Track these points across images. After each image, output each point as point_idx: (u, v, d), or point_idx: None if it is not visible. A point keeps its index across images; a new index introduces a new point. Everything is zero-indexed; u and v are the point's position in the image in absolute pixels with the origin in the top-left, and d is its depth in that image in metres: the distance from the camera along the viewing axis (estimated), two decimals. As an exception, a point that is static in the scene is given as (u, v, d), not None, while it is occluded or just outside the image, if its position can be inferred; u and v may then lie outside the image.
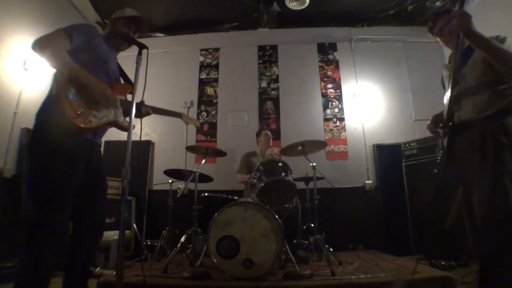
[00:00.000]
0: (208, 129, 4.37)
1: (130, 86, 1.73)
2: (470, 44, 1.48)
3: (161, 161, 4.16)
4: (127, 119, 1.65)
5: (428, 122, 1.81)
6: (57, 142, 1.33)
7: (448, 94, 1.60)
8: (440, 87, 1.91)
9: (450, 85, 1.59)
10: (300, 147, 2.60)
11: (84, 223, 1.50)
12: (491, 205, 1.41)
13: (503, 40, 1.48)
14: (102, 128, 1.58)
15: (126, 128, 1.56)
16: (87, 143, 1.50)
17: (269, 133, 3.68)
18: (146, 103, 1.78)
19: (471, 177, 1.54)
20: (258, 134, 3.72)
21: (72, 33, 1.45)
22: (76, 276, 1.49)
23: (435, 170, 1.70)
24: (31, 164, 1.36)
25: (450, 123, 1.61)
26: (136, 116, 1.64)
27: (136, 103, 1.50)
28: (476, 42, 1.43)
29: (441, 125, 1.70)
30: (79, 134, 1.43)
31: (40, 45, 1.39)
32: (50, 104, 1.39)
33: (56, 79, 1.41)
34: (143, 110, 1.73)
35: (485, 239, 1.44)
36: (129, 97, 1.70)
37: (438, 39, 1.75)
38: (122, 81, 1.79)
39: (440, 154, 1.69)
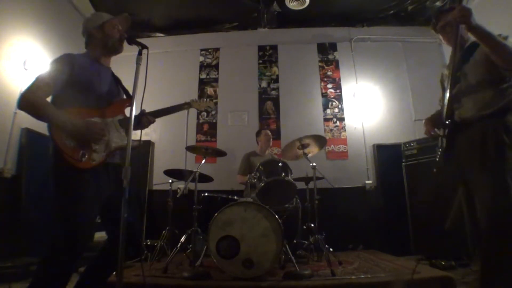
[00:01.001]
0: (208, 129, 4.37)
1: (128, 100, 1.68)
2: (474, 37, 1.48)
3: (161, 161, 4.16)
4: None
5: (424, 126, 1.80)
6: (70, 184, 1.40)
7: (447, 92, 1.60)
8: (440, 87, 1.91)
9: (449, 83, 1.59)
10: (299, 144, 2.61)
11: (114, 238, 1.49)
12: (494, 205, 1.40)
13: (504, 39, 1.47)
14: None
15: (133, 147, 1.55)
16: (101, 169, 1.50)
17: (269, 133, 3.68)
18: (147, 105, 1.71)
19: (472, 177, 1.53)
20: (258, 134, 3.71)
21: (49, 76, 1.43)
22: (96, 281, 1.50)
23: (434, 169, 1.70)
24: (55, 192, 1.42)
25: (449, 121, 1.61)
26: (138, 128, 1.63)
27: (136, 116, 1.47)
28: (478, 35, 1.43)
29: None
30: (89, 171, 1.44)
31: (23, 106, 1.38)
32: (57, 157, 1.41)
33: (50, 130, 1.42)
34: (144, 121, 1.70)
35: (488, 239, 1.43)
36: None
37: (440, 36, 1.75)
38: (122, 94, 1.73)
39: (439, 153, 1.68)
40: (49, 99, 1.46)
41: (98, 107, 1.55)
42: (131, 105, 1.44)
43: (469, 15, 1.39)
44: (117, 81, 1.72)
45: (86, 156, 1.43)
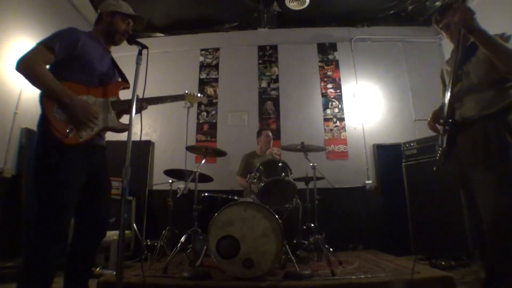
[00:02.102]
0: (208, 129, 4.37)
1: (123, 82, 1.71)
2: (473, 40, 1.47)
3: (161, 161, 4.17)
4: (121, 120, 1.64)
5: (428, 119, 1.79)
6: (55, 163, 1.38)
7: (449, 90, 1.59)
8: (440, 86, 1.90)
9: (451, 81, 1.58)
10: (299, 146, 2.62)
11: (87, 223, 1.51)
12: (498, 204, 1.39)
13: (508, 38, 1.46)
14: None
15: (121, 130, 1.56)
16: (87, 148, 1.49)
17: (270, 134, 3.66)
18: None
19: (474, 176, 1.52)
20: (258, 134, 3.70)
21: (53, 45, 1.41)
22: (77, 276, 1.50)
23: (434, 168, 1.69)
24: (36, 169, 1.41)
25: (451, 120, 1.60)
26: (129, 113, 1.62)
27: (129, 100, 1.47)
28: (478, 39, 1.42)
29: (441, 121, 1.67)
30: (75, 149, 1.43)
31: (21, 68, 1.38)
32: (43, 128, 1.41)
33: (42, 100, 1.41)
34: (137, 106, 1.71)
35: (492, 238, 1.42)
36: (121, 93, 1.68)
37: (443, 33, 1.74)
38: (117, 77, 1.74)
39: (439, 152, 1.67)
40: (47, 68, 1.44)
41: (94, 85, 1.55)
42: (130, 106, 1.43)
43: (470, 18, 1.38)
44: (114, 64, 1.74)
45: (74, 132, 1.41)
